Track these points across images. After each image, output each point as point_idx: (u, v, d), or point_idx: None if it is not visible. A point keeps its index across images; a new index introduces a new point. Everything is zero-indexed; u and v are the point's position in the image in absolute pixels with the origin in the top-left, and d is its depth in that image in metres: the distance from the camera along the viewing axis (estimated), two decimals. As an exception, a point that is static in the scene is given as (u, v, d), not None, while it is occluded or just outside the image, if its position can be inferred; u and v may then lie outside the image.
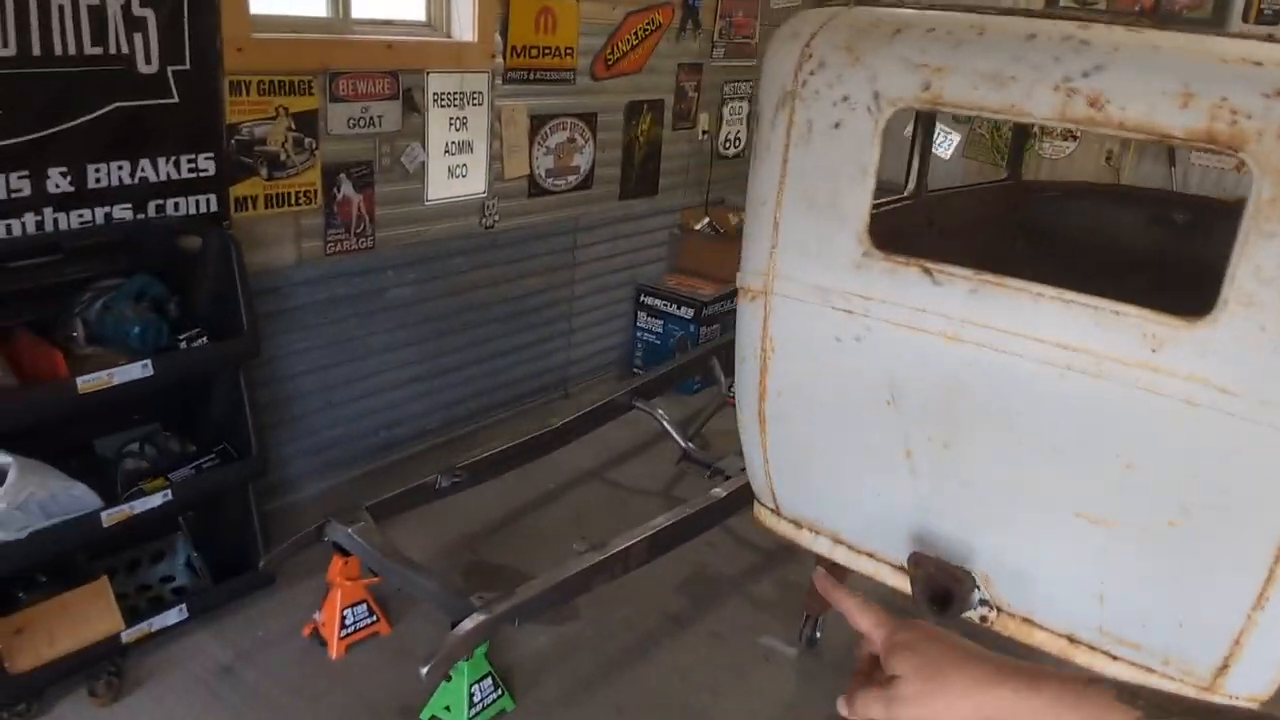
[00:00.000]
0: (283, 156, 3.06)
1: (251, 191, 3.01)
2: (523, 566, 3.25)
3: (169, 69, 2.73)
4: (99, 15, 2.55)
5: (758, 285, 2.13)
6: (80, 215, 2.63)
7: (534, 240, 4.14)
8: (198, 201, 2.88)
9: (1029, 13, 2.15)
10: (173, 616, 2.67)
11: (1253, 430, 1.58)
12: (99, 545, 2.63)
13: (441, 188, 3.62)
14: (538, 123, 3.95)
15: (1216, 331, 1.58)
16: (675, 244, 5.00)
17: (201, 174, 2.87)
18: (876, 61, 1.85)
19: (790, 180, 2.01)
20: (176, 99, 2.76)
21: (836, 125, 1.92)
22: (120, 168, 2.69)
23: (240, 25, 2.86)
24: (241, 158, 2.96)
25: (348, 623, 2.76)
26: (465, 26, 3.54)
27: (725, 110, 5.05)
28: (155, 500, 2.54)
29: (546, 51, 3.85)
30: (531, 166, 3.98)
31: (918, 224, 3.07)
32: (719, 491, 3.06)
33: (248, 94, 2.92)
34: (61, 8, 2.47)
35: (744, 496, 3.22)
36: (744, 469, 3.34)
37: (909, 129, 3.12)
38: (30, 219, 2.54)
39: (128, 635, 2.55)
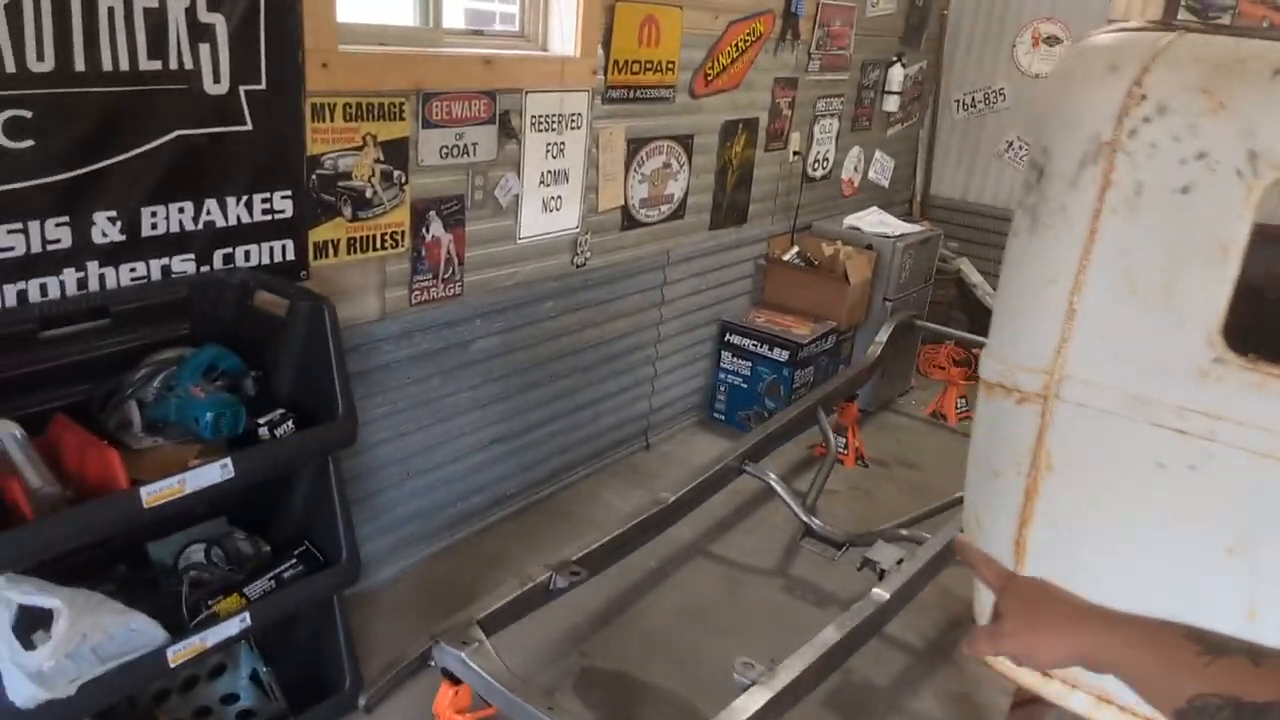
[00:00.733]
0: (369, 193, 2.56)
1: (333, 235, 2.51)
2: (640, 673, 2.79)
3: (241, 89, 2.24)
4: (157, 21, 2.03)
5: (1033, 386, 1.66)
6: (132, 269, 2.14)
7: (624, 279, 3.65)
8: (271, 249, 2.39)
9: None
10: (240, 751, 2.18)
11: None
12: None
13: (535, 223, 3.12)
14: (634, 147, 3.46)
15: None
16: (760, 274, 4.52)
17: (277, 216, 2.38)
18: (1252, 110, 1.38)
19: (1101, 256, 1.54)
20: (250, 126, 2.27)
21: (1184, 190, 1.45)
22: (181, 210, 2.20)
23: (326, 35, 2.36)
24: (323, 195, 2.46)
25: (458, 766, 2.26)
26: (567, 39, 3.04)
27: (815, 128, 4.57)
28: (232, 628, 2.03)
29: (649, 66, 3.36)
30: (626, 196, 3.49)
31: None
32: (881, 594, 2.59)
33: (331, 119, 2.42)
34: (111, 9, 1.95)
35: (905, 598, 2.78)
36: (901, 560, 2.93)
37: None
38: (71, 276, 2.04)
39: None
